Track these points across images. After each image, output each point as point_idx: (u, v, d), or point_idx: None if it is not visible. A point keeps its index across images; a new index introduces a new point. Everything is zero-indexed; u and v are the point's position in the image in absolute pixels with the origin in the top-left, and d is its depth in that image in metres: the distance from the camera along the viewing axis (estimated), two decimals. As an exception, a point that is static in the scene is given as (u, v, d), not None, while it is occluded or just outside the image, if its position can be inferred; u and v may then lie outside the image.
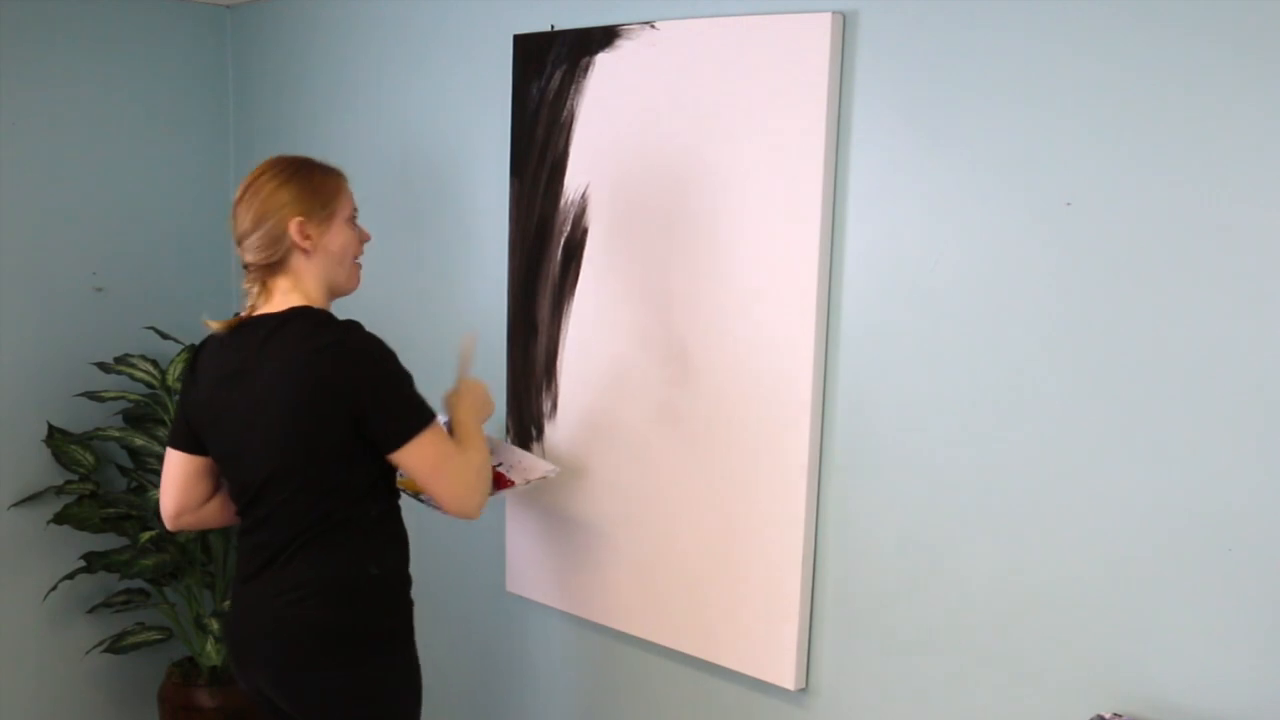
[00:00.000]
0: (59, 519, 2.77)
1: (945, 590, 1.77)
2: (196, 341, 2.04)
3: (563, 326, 2.23)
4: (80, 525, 2.78)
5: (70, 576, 2.82)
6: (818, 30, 1.78)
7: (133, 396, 2.85)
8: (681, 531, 2.06)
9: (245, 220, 1.85)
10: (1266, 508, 1.45)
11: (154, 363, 2.87)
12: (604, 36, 2.08)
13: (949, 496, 1.75)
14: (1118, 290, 1.55)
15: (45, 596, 2.88)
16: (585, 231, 2.17)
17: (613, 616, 2.22)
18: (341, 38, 2.73)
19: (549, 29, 2.20)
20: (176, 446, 1.97)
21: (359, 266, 1.96)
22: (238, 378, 1.85)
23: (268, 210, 1.84)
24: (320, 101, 2.82)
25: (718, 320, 1.96)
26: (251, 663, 1.92)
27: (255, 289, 1.88)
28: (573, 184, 2.18)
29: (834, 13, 1.77)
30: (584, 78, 2.13)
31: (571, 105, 2.16)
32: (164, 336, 2.92)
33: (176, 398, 2.65)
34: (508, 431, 2.35)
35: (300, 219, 1.84)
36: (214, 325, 1.90)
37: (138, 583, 2.96)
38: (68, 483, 2.82)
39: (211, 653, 2.85)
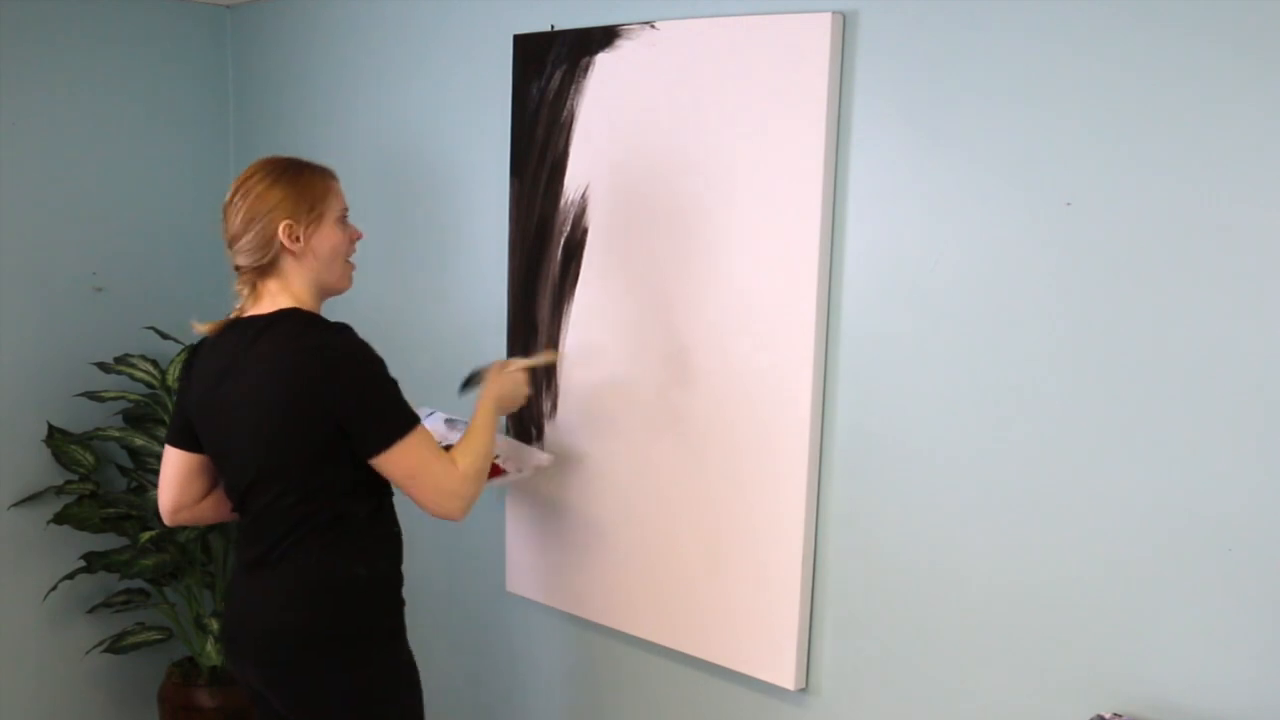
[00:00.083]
0: (59, 519, 2.78)
1: (945, 590, 1.77)
2: (195, 341, 2.05)
3: (563, 326, 2.23)
4: (80, 525, 2.78)
5: (70, 576, 2.82)
6: (818, 30, 1.78)
7: (133, 396, 2.85)
8: (682, 531, 2.06)
9: (235, 223, 1.85)
10: (1266, 508, 1.45)
11: (154, 363, 2.87)
12: (604, 36, 2.08)
13: (949, 496, 1.75)
14: (1118, 290, 1.55)
15: (45, 596, 2.88)
16: (585, 231, 2.17)
17: (613, 617, 2.22)
18: (341, 38, 2.73)
19: (549, 29, 2.20)
20: (174, 443, 1.98)
21: (351, 266, 1.96)
22: (226, 377, 1.85)
23: (257, 212, 1.84)
24: (320, 101, 2.82)
25: (718, 320, 1.96)
26: (245, 662, 1.93)
27: (245, 291, 1.88)
28: (573, 184, 2.18)
29: (834, 13, 1.77)
30: (584, 78, 2.13)
31: (571, 105, 2.16)
32: (164, 336, 2.92)
33: (175, 397, 2.65)
34: (508, 431, 2.35)
35: (289, 221, 1.84)
36: (202, 328, 1.90)
37: (138, 583, 2.96)
38: (68, 483, 2.82)
39: (211, 653, 2.85)
